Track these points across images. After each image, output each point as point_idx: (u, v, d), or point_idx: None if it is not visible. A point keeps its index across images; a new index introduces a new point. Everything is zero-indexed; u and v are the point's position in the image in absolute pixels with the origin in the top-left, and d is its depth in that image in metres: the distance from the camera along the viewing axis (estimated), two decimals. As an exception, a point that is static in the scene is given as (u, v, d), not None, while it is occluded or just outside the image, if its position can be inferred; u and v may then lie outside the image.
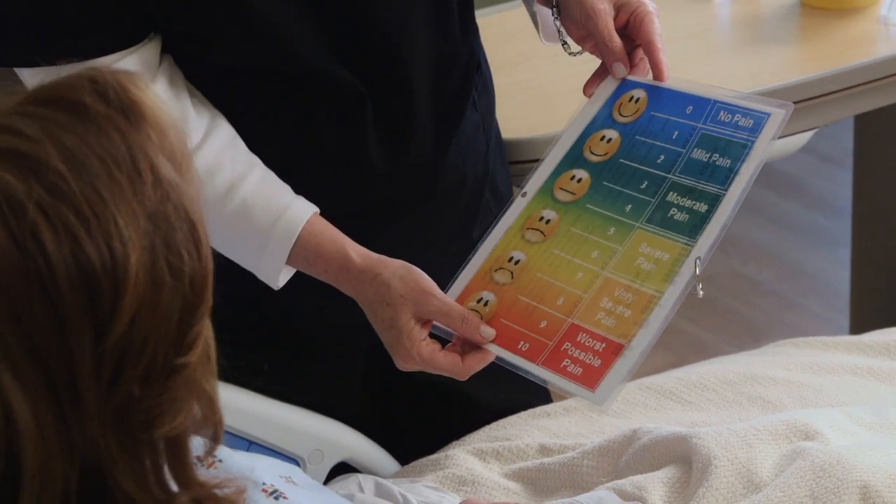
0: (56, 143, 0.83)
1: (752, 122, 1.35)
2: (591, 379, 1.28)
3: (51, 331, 0.82)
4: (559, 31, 1.46)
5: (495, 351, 1.33)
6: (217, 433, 0.91)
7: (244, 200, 1.36)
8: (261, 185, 1.37)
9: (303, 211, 1.37)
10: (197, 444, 0.92)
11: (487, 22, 2.12)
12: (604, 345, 1.29)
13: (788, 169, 3.76)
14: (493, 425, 1.63)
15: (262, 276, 1.39)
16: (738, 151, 1.35)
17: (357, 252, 1.35)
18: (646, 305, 1.30)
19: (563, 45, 1.48)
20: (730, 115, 1.35)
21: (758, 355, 1.78)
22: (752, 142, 1.34)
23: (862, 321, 2.66)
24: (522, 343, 1.34)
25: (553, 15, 1.45)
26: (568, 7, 1.44)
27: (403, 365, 1.33)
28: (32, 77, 1.30)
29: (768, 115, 1.35)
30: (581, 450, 1.51)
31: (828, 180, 3.77)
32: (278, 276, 1.38)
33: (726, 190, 1.34)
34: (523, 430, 1.61)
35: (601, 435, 1.56)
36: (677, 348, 3.07)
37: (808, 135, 2.04)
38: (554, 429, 1.61)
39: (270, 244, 1.36)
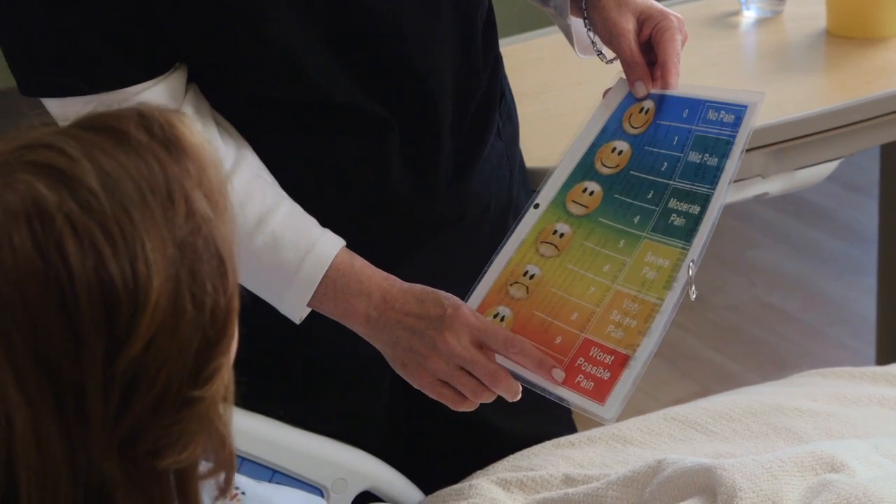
0: (94, 164, 0.84)
1: (733, 117, 1.38)
2: (601, 392, 1.31)
3: (63, 342, 0.82)
4: (594, 43, 1.47)
5: (511, 367, 1.34)
6: (228, 473, 0.91)
7: (274, 233, 1.36)
8: (290, 217, 1.37)
9: (335, 239, 1.38)
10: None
11: (511, 51, 2.13)
12: (612, 357, 1.32)
13: (814, 198, 3.75)
14: (517, 455, 1.63)
15: (286, 307, 1.38)
16: (723, 148, 1.37)
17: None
18: (649, 314, 1.32)
19: (598, 55, 1.49)
20: (716, 113, 1.38)
21: (783, 385, 1.77)
22: (734, 137, 1.36)
23: (889, 351, 2.65)
24: None
25: (586, 26, 1.47)
26: (593, 23, 1.46)
27: (444, 349, 1.31)
28: (58, 108, 1.31)
29: (745, 107, 1.38)
30: (605, 480, 1.50)
31: (854, 209, 3.76)
32: (303, 307, 1.38)
33: (714, 189, 1.36)
34: (547, 460, 1.60)
35: (625, 465, 1.55)
36: (702, 378, 3.06)
37: (834, 164, 2.03)
38: (578, 459, 1.61)
39: (302, 271, 1.36)
